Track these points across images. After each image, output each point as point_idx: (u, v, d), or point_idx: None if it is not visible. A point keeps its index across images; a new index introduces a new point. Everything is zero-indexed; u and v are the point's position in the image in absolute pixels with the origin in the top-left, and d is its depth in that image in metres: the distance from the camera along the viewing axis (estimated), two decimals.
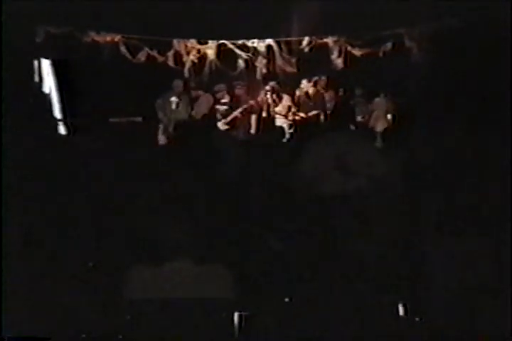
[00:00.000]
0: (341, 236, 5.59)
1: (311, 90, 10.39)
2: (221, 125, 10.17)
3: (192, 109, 10.43)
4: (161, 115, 10.19)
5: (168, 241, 6.02)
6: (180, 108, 10.32)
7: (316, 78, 10.34)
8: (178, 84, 10.26)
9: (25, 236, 8.06)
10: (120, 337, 7.14)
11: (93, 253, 6.87)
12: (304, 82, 10.35)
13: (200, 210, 7.25)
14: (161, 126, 10.03)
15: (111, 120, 9.78)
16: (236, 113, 10.22)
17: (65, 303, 7.12)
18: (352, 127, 8.24)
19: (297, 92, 10.39)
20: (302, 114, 10.25)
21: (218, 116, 10.28)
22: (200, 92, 10.53)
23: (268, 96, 10.33)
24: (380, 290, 4.39)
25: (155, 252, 5.69)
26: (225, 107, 10.35)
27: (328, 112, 10.37)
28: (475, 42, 9.22)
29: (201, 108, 10.48)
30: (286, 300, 4.34)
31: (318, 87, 10.38)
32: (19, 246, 7.69)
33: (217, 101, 10.37)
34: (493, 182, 5.13)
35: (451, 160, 6.14)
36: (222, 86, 10.39)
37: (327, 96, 10.38)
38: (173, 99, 10.26)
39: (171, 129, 10.09)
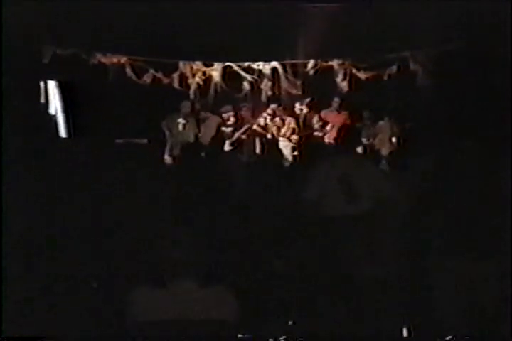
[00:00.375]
0: (345, 259, 5.55)
1: (313, 113, 10.41)
2: (226, 146, 10.19)
3: (199, 130, 10.46)
4: (168, 136, 10.21)
5: (171, 263, 5.97)
6: (187, 129, 10.34)
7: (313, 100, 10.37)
8: (186, 105, 10.28)
9: (25, 259, 8.04)
10: None
11: (95, 274, 6.83)
12: (304, 105, 10.35)
13: (203, 232, 7.23)
14: (167, 147, 10.04)
15: (117, 141, 9.80)
16: (238, 134, 10.23)
17: (67, 326, 7.07)
18: (360, 150, 8.25)
19: (301, 115, 10.41)
20: (305, 137, 10.25)
21: (224, 137, 10.30)
22: (208, 114, 10.57)
23: (268, 118, 10.33)
24: (383, 314, 4.35)
25: (158, 274, 5.65)
26: (230, 129, 10.38)
27: (333, 135, 10.39)
28: (480, 66, 9.24)
29: (208, 129, 10.50)
30: (290, 323, 4.30)
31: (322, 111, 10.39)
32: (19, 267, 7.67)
33: (223, 123, 10.40)
34: (499, 206, 5.11)
35: (456, 183, 6.11)
36: (228, 107, 10.43)
37: (332, 118, 10.39)
38: (180, 120, 10.29)
39: (177, 150, 10.11)
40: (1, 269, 7.69)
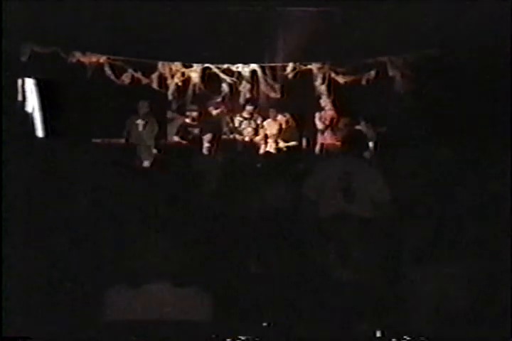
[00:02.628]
0: (321, 262, 5.56)
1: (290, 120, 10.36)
2: (204, 149, 10.02)
3: (165, 130, 10.21)
4: (129, 137, 9.98)
5: (146, 263, 5.96)
6: (146, 129, 10.05)
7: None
8: (144, 105, 10.09)
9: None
10: None
11: (70, 273, 6.80)
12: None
13: (178, 232, 7.22)
14: (138, 148, 9.88)
15: (93, 140, 9.75)
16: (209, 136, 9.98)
17: (40, 326, 7.02)
18: (367, 155, 8.25)
19: (281, 118, 10.37)
20: (282, 142, 10.21)
21: (189, 137, 10.07)
22: (175, 115, 10.45)
23: (243, 120, 10.25)
24: (359, 317, 4.38)
25: (133, 274, 5.62)
26: (196, 129, 10.15)
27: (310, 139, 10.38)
28: (457, 71, 9.32)
29: (173, 129, 10.29)
30: (264, 324, 4.30)
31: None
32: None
33: (187, 123, 10.17)
34: (477, 207, 5.18)
35: (433, 187, 6.16)
36: (193, 107, 10.28)
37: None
38: (139, 121, 10.14)
39: (150, 152, 9.97)
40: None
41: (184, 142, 10.01)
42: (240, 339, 3.60)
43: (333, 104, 10.30)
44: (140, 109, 10.03)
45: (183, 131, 10.17)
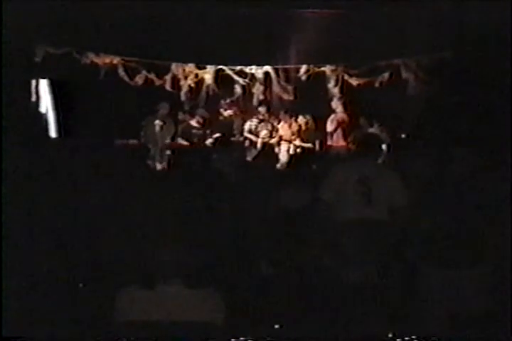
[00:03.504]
0: (334, 264, 5.55)
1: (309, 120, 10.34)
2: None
3: (176, 131, 10.25)
4: (145, 138, 10.04)
5: (159, 264, 5.96)
6: (164, 130, 10.11)
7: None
8: (164, 106, 10.16)
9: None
10: None
11: (83, 274, 6.81)
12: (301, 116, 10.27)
13: (192, 234, 7.22)
14: (152, 149, 9.93)
15: (106, 141, 9.78)
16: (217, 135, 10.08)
17: (53, 326, 7.03)
18: (380, 160, 8.18)
19: (298, 120, 10.33)
20: (299, 142, 10.19)
21: (195, 139, 10.12)
22: (186, 116, 10.46)
23: (259, 122, 10.25)
24: (371, 319, 4.36)
25: (145, 275, 5.63)
26: (200, 131, 10.18)
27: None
28: (471, 73, 9.29)
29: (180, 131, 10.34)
30: (277, 326, 4.29)
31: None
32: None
33: (192, 126, 10.22)
34: (489, 214, 5.15)
35: (446, 190, 6.14)
36: (201, 111, 10.30)
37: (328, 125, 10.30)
38: (157, 122, 10.15)
39: (163, 152, 10.00)
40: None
41: (187, 144, 10.07)
42: (252, 339, 3.59)
43: (344, 106, 10.28)
44: (160, 110, 10.09)
45: (188, 133, 10.23)
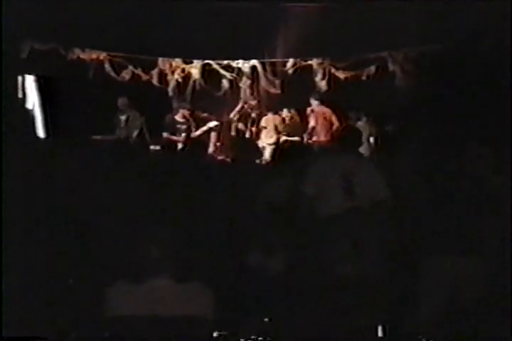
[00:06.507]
0: (322, 258, 5.58)
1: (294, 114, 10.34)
2: (180, 145, 10.02)
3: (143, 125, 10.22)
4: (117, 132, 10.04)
5: (148, 259, 5.97)
6: (129, 125, 10.07)
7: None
8: (124, 102, 10.11)
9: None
10: None
11: (73, 269, 6.80)
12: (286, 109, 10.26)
13: (181, 229, 7.22)
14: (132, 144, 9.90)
15: (93, 137, 9.76)
16: (199, 132, 10.07)
17: (43, 322, 7.02)
18: (366, 151, 8.20)
19: (283, 114, 10.34)
20: (284, 137, 10.19)
21: (178, 135, 10.11)
22: (172, 110, 10.43)
23: (235, 115, 10.23)
24: (360, 312, 4.37)
25: (135, 270, 5.64)
26: (184, 126, 10.17)
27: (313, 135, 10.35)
28: (458, 66, 9.32)
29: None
30: (266, 319, 4.30)
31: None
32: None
33: (176, 120, 10.19)
34: (477, 201, 5.17)
35: (433, 182, 6.17)
36: (183, 104, 10.28)
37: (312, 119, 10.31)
38: (122, 117, 10.10)
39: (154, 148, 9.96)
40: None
41: (174, 138, 10.06)
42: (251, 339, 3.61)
43: (328, 99, 10.28)
44: (120, 105, 10.06)
45: (173, 127, 10.22)
